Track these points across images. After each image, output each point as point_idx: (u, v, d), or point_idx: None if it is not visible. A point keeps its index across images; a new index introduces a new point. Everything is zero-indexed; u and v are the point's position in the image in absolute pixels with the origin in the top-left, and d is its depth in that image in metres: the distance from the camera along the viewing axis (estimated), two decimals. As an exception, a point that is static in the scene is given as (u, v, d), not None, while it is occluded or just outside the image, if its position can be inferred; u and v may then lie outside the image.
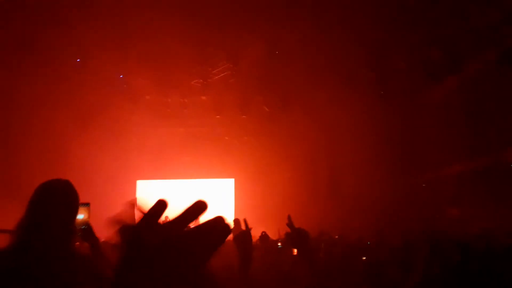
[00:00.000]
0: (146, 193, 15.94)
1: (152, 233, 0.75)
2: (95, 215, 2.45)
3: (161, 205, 0.85)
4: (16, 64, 10.47)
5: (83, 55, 11.25)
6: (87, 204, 2.08)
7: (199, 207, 0.82)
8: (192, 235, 0.76)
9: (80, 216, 1.92)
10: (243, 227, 8.75)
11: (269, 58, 11.61)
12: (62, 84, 11.12)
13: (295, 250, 3.14)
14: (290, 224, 2.30)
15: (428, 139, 12.24)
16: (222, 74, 12.75)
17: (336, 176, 13.64)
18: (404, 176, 12.57)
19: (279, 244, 5.56)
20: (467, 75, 10.75)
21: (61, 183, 1.92)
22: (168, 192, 16.06)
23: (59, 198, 1.87)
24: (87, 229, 2.03)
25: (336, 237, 7.72)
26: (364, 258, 4.62)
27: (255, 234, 9.05)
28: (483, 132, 10.78)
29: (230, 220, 7.25)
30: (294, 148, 13.93)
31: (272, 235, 10.27)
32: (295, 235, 2.27)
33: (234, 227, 8.58)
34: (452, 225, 10.04)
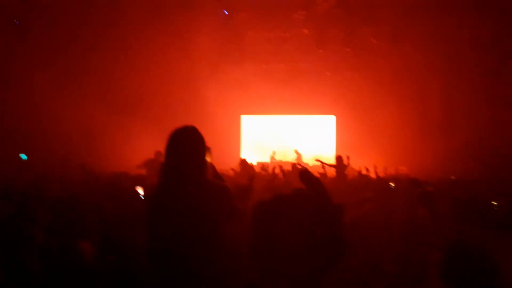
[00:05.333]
0: (250, 127, 16.56)
1: None
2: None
3: None
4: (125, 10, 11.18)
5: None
6: (208, 148, 2.27)
7: None
8: None
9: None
10: (345, 163, 8.61)
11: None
12: (170, 25, 11.60)
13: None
14: (418, 185, 2.30)
15: None
16: (326, 4, 12.01)
17: (447, 117, 12.45)
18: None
19: (392, 184, 5.30)
20: None
21: (190, 130, 2.21)
22: (271, 127, 16.48)
23: (190, 143, 2.17)
24: (211, 169, 2.31)
25: (453, 177, 7.23)
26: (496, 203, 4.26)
27: (356, 171, 8.89)
28: None
29: (332, 156, 7.17)
30: (402, 86, 12.91)
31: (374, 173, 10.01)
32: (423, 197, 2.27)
33: (337, 164, 8.50)
34: None
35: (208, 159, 2.24)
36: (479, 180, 7.20)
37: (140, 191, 4.09)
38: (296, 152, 15.13)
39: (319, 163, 8.47)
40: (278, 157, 14.94)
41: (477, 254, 1.88)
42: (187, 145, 2.15)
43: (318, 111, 15.89)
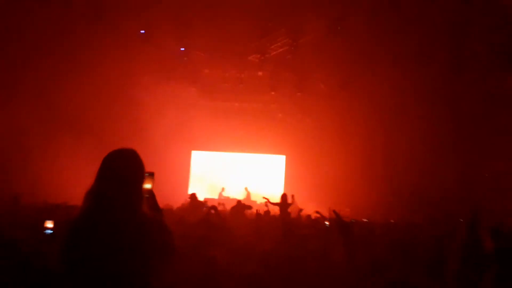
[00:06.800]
0: (200, 163, 16.44)
1: None
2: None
3: None
4: (83, 35, 10.97)
5: (147, 27, 11.56)
6: (151, 174, 2.03)
7: None
8: None
9: (147, 186, 1.98)
10: (289, 201, 8.75)
11: (330, 35, 11.24)
12: (126, 55, 11.49)
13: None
14: (337, 217, 2.36)
15: (499, 129, 11.36)
16: (280, 50, 12.59)
17: (392, 161, 13.13)
18: (468, 165, 11.84)
19: (327, 223, 5.48)
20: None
21: (127, 152, 1.97)
22: (222, 164, 16.46)
23: (126, 167, 1.93)
24: (150, 198, 2.02)
25: (392, 221, 7.54)
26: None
27: (305, 211, 9.05)
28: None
29: (279, 195, 7.16)
30: (349, 129, 13.55)
31: (321, 212, 10.18)
32: (342, 228, 2.35)
33: (281, 202, 8.60)
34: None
35: (150, 185, 2.01)
36: (416, 223, 7.56)
37: (49, 224, 3.79)
38: (246, 189, 15.15)
39: (265, 201, 8.55)
40: (227, 194, 14.88)
41: None
42: (123, 169, 1.92)
43: (269, 150, 16.19)
